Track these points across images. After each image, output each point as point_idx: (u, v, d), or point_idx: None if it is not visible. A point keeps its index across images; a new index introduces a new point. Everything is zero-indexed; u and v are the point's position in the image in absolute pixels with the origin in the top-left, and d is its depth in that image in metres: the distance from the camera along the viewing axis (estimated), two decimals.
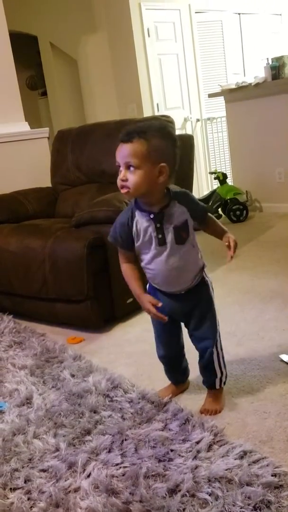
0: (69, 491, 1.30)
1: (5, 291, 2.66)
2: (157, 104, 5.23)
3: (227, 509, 1.17)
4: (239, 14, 5.66)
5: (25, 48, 5.78)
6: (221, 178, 4.54)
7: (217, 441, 1.42)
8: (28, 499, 1.29)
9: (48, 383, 1.90)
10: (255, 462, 1.31)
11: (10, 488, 1.34)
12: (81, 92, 5.70)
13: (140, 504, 1.21)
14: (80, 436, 1.53)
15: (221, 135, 5.63)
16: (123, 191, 1.40)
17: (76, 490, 1.30)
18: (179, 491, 1.24)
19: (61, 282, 2.37)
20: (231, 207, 4.46)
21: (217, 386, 1.63)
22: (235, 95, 4.57)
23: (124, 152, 1.37)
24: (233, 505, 1.17)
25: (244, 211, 4.46)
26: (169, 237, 1.46)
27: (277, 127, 4.36)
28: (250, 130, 4.59)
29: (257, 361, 1.89)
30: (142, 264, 1.55)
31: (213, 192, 4.57)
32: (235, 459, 1.32)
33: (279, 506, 1.16)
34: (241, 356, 1.94)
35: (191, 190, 3.05)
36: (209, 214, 1.58)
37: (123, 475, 1.33)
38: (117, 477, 1.33)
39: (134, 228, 1.48)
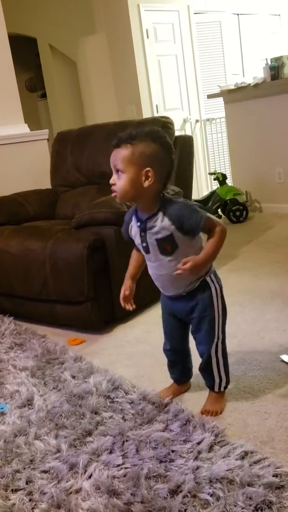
0: (71, 492, 1.30)
1: (6, 292, 2.66)
2: (156, 105, 5.24)
3: (228, 509, 1.17)
4: (237, 14, 5.66)
5: (24, 50, 5.79)
6: (221, 178, 4.54)
7: (218, 442, 1.42)
8: (30, 500, 1.29)
9: (49, 384, 1.90)
10: (256, 462, 1.31)
11: (12, 490, 1.34)
12: (81, 93, 5.71)
13: (141, 505, 1.21)
14: (81, 437, 1.53)
15: (220, 135, 5.63)
16: (112, 195, 1.44)
17: (78, 491, 1.30)
18: (181, 491, 1.24)
19: (62, 284, 2.37)
20: (230, 207, 4.47)
21: (216, 390, 1.63)
22: (234, 96, 4.57)
23: (113, 156, 1.42)
24: (235, 506, 1.17)
25: (244, 212, 4.46)
26: (153, 247, 1.48)
27: (276, 127, 4.36)
28: (250, 131, 4.60)
29: (257, 362, 1.89)
30: None
31: (212, 193, 4.58)
32: (236, 460, 1.32)
33: (281, 507, 1.16)
34: (241, 357, 1.94)
35: (190, 191, 3.05)
36: (215, 228, 1.43)
37: (124, 476, 1.33)
38: (118, 478, 1.33)
39: (130, 229, 1.54)
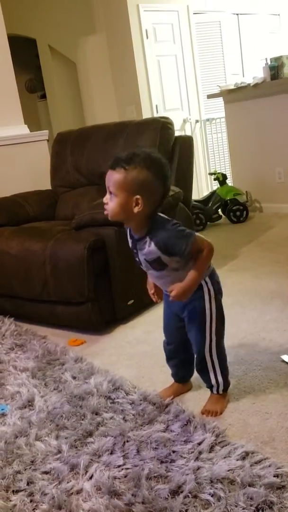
0: (72, 493, 1.30)
1: (6, 293, 2.67)
2: (156, 106, 5.24)
3: (229, 510, 1.17)
4: (237, 14, 5.66)
5: (24, 51, 5.79)
6: (221, 179, 4.54)
7: (219, 442, 1.42)
8: (31, 501, 1.29)
9: (50, 385, 1.90)
10: (257, 462, 1.31)
11: (13, 491, 1.34)
12: (80, 94, 5.71)
13: (142, 506, 1.21)
14: (82, 438, 1.53)
15: (220, 136, 5.63)
16: (105, 213, 1.48)
17: (79, 492, 1.31)
18: (181, 492, 1.24)
19: (62, 284, 2.37)
20: (231, 207, 4.47)
21: (214, 392, 1.64)
22: (234, 96, 4.58)
23: (108, 177, 1.44)
24: (236, 506, 1.17)
25: (244, 212, 4.46)
26: (144, 263, 1.53)
27: (276, 127, 4.36)
28: (250, 131, 4.60)
29: (258, 362, 1.89)
30: None
31: (213, 193, 4.57)
32: (237, 460, 1.32)
33: (282, 507, 1.16)
34: (242, 357, 1.94)
35: (190, 191, 3.05)
36: (197, 248, 1.43)
37: (125, 476, 1.33)
38: (119, 478, 1.33)
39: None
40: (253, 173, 4.67)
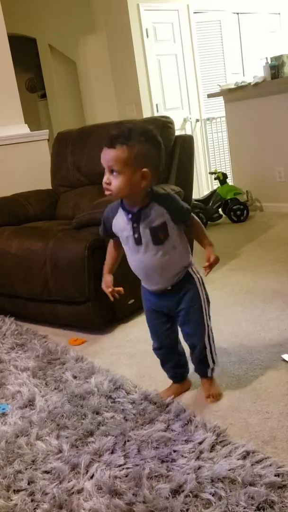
0: (73, 493, 1.30)
1: (7, 293, 2.67)
2: (157, 105, 5.24)
3: (230, 509, 1.17)
4: (237, 13, 5.66)
5: (24, 51, 5.78)
6: (221, 178, 4.54)
7: (219, 442, 1.42)
8: (32, 500, 1.29)
9: (51, 384, 1.90)
10: (258, 462, 1.31)
11: (14, 490, 1.34)
12: (81, 93, 5.71)
13: (143, 505, 1.21)
14: (83, 438, 1.53)
15: (220, 135, 5.63)
16: (107, 193, 1.46)
17: (80, 491, 1.31)
18: (182, 491, 1.24)
19: (63, 284, 2.37)
20: (231, 207, 4.46)
21: (209, 375, 1.68)
22: (235, 95, 4.57)
23: (107, 156, 1.42)
24: (236, 505, 1.17)
25: (245, 211, 4.46)
26: (146, 237, 1.51)
27: (277, 126, 4.36)
28: (250, 130, 4.59)
29: (259, 361, 1.89)
30: (127, 256, 1.62)
31: (213, 192, 4.57)
32: (238, 459, 1.32)
33: (283, 506, 1.16)
34: (243, 356, 1.94)
35: (191, 190, 3.05)
36: (196, 219, 1.58)
37: (126, 476, 1.33)
38: (120, 478, 1.33)
39: (114, 223, 1.56)
40: (254, 173, 4.66)
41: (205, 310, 1.61)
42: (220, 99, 4.89)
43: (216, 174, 4.59)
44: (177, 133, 3.02)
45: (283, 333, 2.11)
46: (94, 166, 3.13)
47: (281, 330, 2.13)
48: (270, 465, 1.29)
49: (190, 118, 5.53)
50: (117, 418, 1.61)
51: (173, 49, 5.32)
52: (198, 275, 1.61)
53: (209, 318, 1.63)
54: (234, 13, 5.64)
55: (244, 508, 1.16)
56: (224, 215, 4.59)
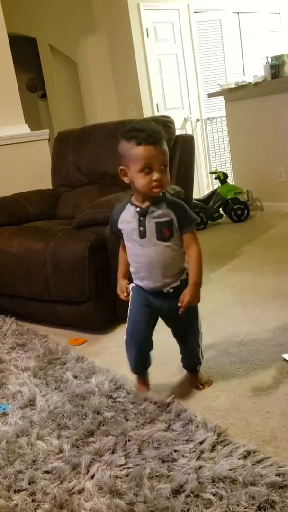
0: (73, 493, 1.30)
1: (7, 293, 2.66)
2: (157, 105, 5.24)
3: (231, 509, 1.17)
4: (238, 13, 5.66)
5: (25, 50, 5.78)
6: (222, 177, 4.53)
7: (220, 441, 1.42)
8: (32, 500, 1.29)
9: (51, 384, 1.90)
10: (259, 462, 1.31)
11: (14, 490, 1.34)
12: (81, 93, 5.70)
13: (144, 505, 1.21)
14: (84, 438, 1.53)
15: (221, 134, 5.62)
16: (159, 190, 1.51)
17: (80, 491, 1.31)
18: (183, 491, 1.24)
19: (63, 284, 2.37)
20: (232, 206, 4.46)
21: (198, 369, 1.79)
22: (235, 95, 4.57)
23: (159, 154, 1.48)
24: (237, 505, 1.17)
25: (245, 211, 4.46)
26: (150, 232, 1.53)
27: (277, 126, 4.36)
28: (250, 129, 4.59)
29: (259, 361, 1.89)
30: (128, 257, 1.64)
31: (214, 192, 4.57)
32: (239, 459, 1.32)
33: (284, 506, 1.16)
34: (243, 356, 1.94)
35: (191, 190, 3.05)
36: (197, 242, 1.57)
37: (127, 476, 1.33)
38: (121, 478, 1.33)
39: (121, 218, 1.59)
40: (254, 172, 4.66)
41: (197, 308, 1.67)
42: (221, 99, 4.89)
43: (217, 174, 4.59)
44: (177, 132, 3.02)
45: (284, 333, 2.10)
46: (95, 166, 3.13)
47: (282, 330, 2.13)
48: (271, 465, 1.28)
49: (191, 118, 5.53)
50: (118, 418, 1.60)
51: (173, 49, 5.32)
52: None
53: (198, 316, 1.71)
54: (235, 12, 5.64)
55: (245, 508, 1.16)
56: (224, 215, 4.59)
